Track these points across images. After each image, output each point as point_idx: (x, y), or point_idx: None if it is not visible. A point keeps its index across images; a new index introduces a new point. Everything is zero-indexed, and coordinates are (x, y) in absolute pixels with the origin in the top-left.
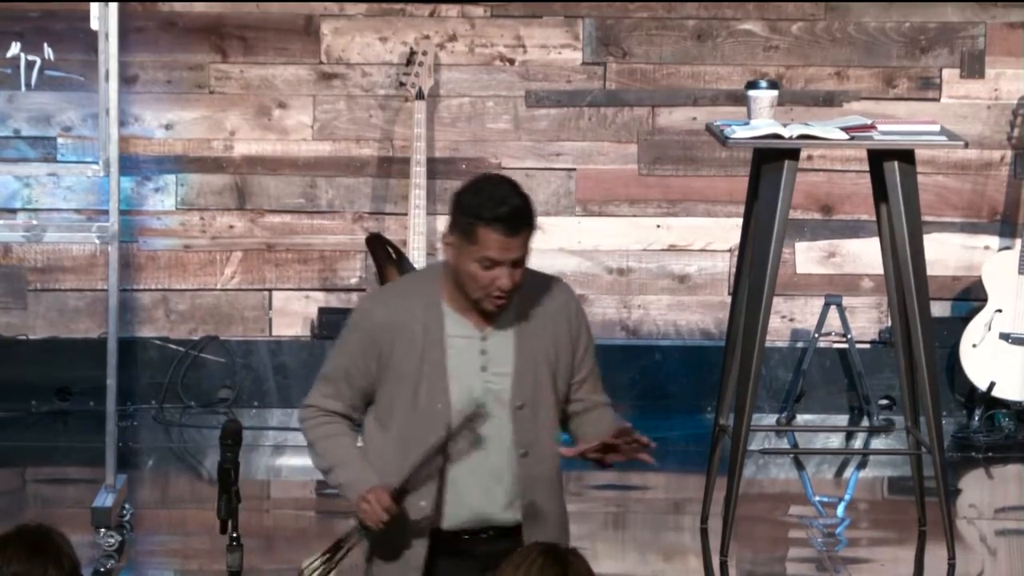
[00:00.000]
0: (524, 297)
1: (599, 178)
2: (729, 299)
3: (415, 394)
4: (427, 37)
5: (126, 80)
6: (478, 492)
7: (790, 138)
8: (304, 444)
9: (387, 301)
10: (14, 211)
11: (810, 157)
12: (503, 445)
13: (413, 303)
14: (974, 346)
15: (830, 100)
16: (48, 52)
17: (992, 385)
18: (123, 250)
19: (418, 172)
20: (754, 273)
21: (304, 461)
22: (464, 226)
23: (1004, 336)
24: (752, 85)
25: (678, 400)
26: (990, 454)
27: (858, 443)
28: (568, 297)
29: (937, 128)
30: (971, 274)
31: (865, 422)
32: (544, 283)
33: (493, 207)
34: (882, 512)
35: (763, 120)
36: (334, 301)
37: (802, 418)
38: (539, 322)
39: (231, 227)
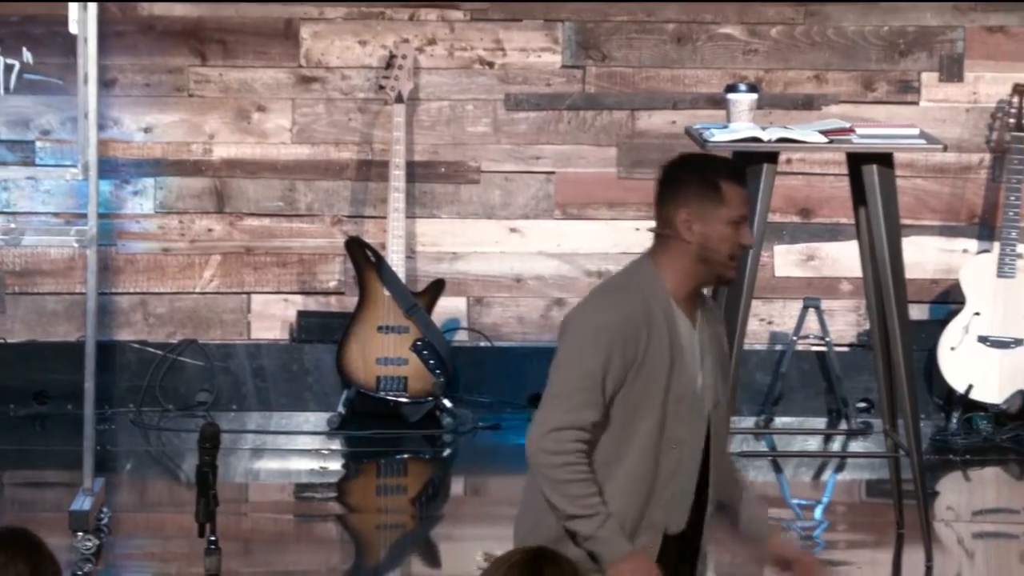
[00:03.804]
0: (702, 300)
1: (578, 181)
2: None
3: (668, 387)
4: (406, 41)
5: (105, 83)
6: (683, 500)
7: (769, 141)
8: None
9: (622, 297)
10: None
11: (789, 160)
12: (699, 444)
13: (650, 295)
14: (952, 349)
15: (809, 103)
16: (27, 55)
17: (970, 388)
18: (102, 253)
19: (397, 175)
20: None
21: (282, 464)
22: (706, 190)
23: (982, 339)
24: (731, 88)
25: None
26: (968, 457)
27: (836, 446)
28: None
29: (916, 131)
30: (949, 277)
31: (843, 425)
32: (706, 296)
33: (725, 164)
34: (860, 515)
35: (742, 123)
36: (313, 304)
37: (780, 421)
38: (715, 325)
39: (210, 230)
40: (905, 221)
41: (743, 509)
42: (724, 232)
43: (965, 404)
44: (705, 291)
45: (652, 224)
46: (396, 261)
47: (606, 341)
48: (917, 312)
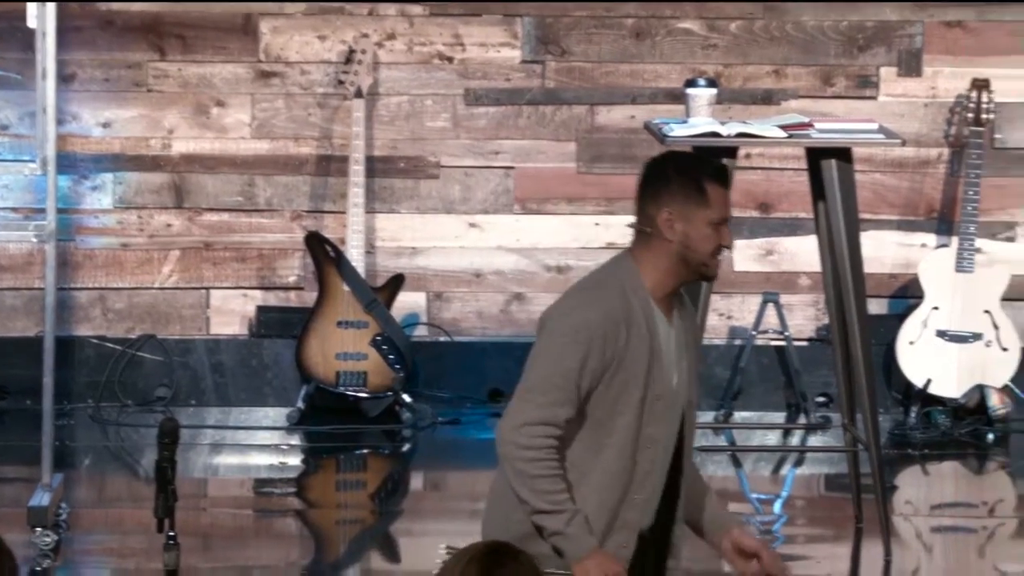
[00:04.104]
0: (678, 298)
1: (538, 176)
2: None
3: (645, 386)
4: (366, 35)
5: (64, 78)
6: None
7: (728, 136)
8: (278, 449)
9: (601, 295)
10: None
11: (748, 155)
12: (672, 443)
13: (629, 294)
14: (911, 343)
15: (768, 98)
16: None
17: (928, 382)
18: (60, 248)
19: (357, 170)
20: None
21: (241, 460)
22: (688, 190)
23: (941, 333)
24: (691, 83)
25: None
26: (926, 451)
27: (795, 440)
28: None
29: (874, 126)
30: (908, 272)
31: (802, 419)
32: (682, 294)
33: (709, 164)
34: (819, 509)
35: (701, 118)
36: (272, 300)
37: (739, 415)
38: (689, 322)
39: (169, 225)
40: (864, 216)
41: (705, 504)
42: (705, 233)
43: (923, 398)
44: (681, 289)
45: (610, 219)
46: (355, 256)
47: (585, 339)
48: (876, 307)
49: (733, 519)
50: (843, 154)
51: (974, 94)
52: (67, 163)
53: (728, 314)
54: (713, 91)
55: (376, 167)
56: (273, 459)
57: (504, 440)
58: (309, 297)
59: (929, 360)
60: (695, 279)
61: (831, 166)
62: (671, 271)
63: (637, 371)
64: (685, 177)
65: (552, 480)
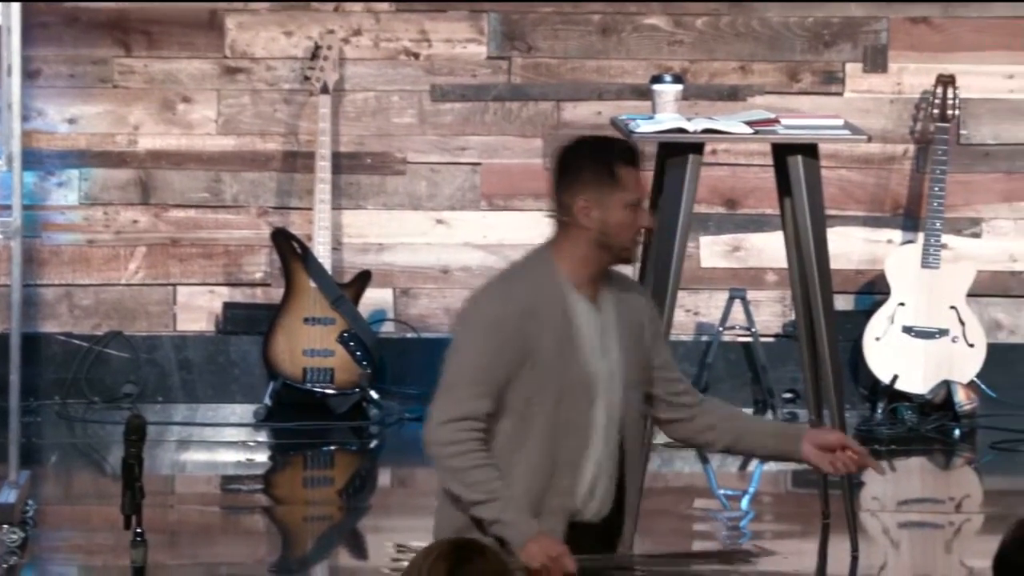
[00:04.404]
0: (612, 279)
1: (504, 172)
2: None
3: (561, 375)
4: (332, 31)
5: (29, 74)
6: (605, 479)
7: (694, 132)
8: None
9: (512, 288)
10: None
11: (714, 151)
12: (613, 428)
13: (542, 285)
14: (877, 339)
15: (734, 94)
16: None
17: (895, 378)
18: (26, 245)
19: (323, 167)
20: (658, 267)
21: (209, 456)
22: (601, 176)
23: (907, 329)
24: (657, 79)
25: None
26: (893, 447)
27: None
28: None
29: (840, 122)
30: (874, 268)
31: (769, 415)
32: (620, 274)
33: (618, 147)
34: (786, 505)
35: (667, 114)
36: (239, 296)
37: None
38: (628, 302)
39: (135, 222)
40: (830, 212)
41: (753, 427)
42: (622, 216)
43: (890, 394)
44: (629, 270)
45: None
46: (322, 252)
47: (495, 332)
48: (842, 303)
49: (797, 426)
50: (809, 150)
51: (939, 90)
52: (33, 159)
53: (695, 310)
54: (679, 87)
55: (342, 163)
56: (240, 456)
57: (429, 441)
58: (276, 294)
59: (895, 356)
60: (617, 263)
61: (797, 162)
62: (591, 258)
63: (552, 361)
64: (596, 163)
65: (482, 470)
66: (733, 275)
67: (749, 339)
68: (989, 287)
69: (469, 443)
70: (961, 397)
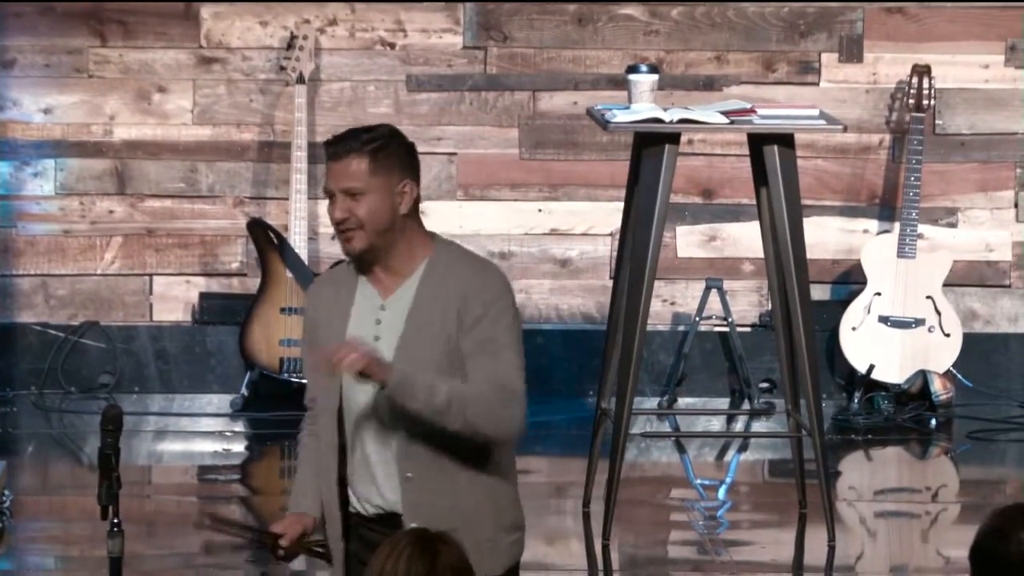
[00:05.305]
0: (433, 271)
1: (480, 162)
2: (611, 283)
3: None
4: (307, 21)
5: (4, 64)
6: (364, 474)
7: (671, 122)
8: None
9: (324, 275)
10: None
11: (691, 141)
12: (383, 422)
13: (340, 274)
14: (853, 329)
15: (710, 84)
16: None
17: (871, 368)
18: (1, 235)
19: (299, 157)
20: (635, 257)
21: (185, 446)
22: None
23: (883, 319)
24: (632, 69)
25: (560, 384)
26: (869, 436)
27: (739, 426)
28: (479, 276)
29: (816, 112)
30: (850, 257)
31: (746, 405)
32: (463, 261)
33: (327, 143)
34: (763, 495)
35: (644, 104)
36: (215, 286)
37: (683, 401)
38: (438, 294)
39: (111, 212)
40: (806, 202)
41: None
42: (329, 209)
43: (867, 384)
44: (474, 257)
45: (553, 205)
46: (298, 242)
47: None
48: (819, 292)
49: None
50: (785, 140)
51: (915, 80)
52: (8, 150)
53: (671, 300)
54: (655, 77)
55: (318, 153)
56: (217, 446)
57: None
58: (252, 283)
59: (872, 346)
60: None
61: (773, 152)
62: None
63: (325, 344)
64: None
65: (300, 457)
66: (709, 265)
67: (726, 329)
68: (965, 277)
69: (303, 432)
70: (937, 387)
